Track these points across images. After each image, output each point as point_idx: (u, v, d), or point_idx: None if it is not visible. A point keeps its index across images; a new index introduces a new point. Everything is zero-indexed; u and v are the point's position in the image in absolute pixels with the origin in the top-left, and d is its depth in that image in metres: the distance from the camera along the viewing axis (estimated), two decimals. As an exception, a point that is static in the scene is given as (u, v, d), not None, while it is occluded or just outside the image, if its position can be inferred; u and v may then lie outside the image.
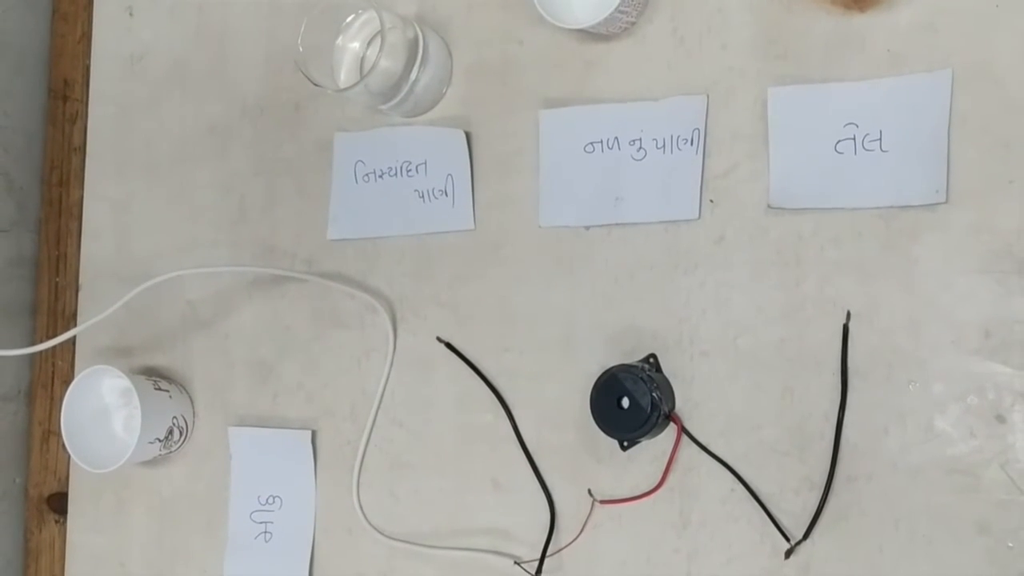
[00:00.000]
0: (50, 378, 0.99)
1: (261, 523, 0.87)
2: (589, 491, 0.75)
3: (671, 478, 0.73)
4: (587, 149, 0.77)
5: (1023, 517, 0.64)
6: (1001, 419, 0.65)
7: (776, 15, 0.72)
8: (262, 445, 0.87)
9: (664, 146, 0.75)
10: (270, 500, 0.87)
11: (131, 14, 0.98)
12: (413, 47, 0.78)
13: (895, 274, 0.68)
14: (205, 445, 0.90)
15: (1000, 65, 0.66)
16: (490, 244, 0.81)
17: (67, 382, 0.90)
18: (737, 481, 0.71)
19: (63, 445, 0.86)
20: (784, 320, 0.71)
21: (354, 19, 0.81)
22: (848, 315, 0.69)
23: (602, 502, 0.75)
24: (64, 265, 0.99)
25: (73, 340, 0.96)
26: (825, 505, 0.68)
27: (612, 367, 0.72)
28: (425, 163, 0.83)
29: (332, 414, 0.86)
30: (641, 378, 0.70)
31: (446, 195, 0.82)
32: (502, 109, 0.81)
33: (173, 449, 0.89)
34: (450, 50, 0.83)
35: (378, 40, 0.75)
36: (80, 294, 0.98)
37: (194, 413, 0.91)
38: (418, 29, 0.79)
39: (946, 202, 0.67)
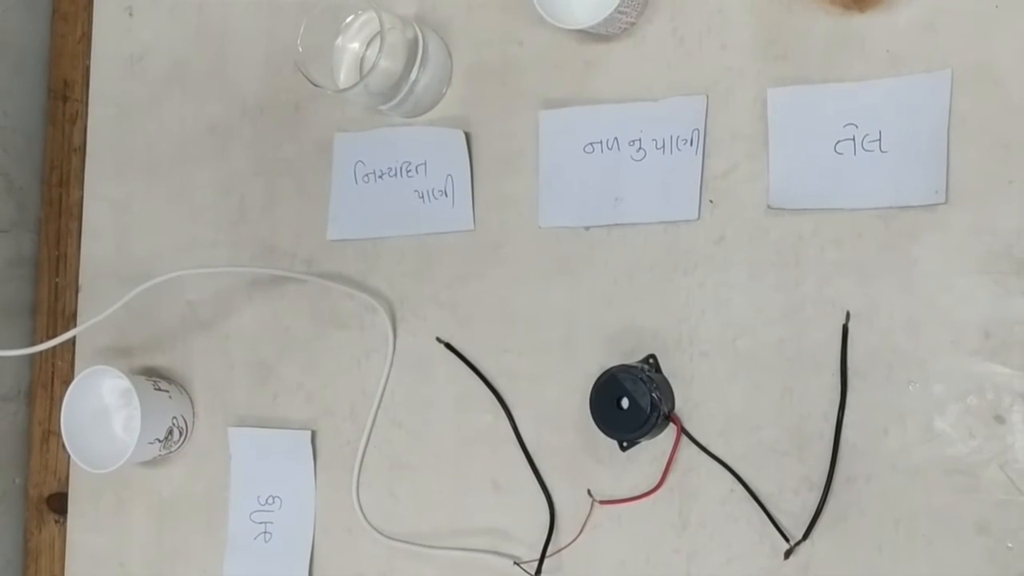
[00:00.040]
0: (50, 378, 0.99)
1: (261, 523, 0.87)
2: (589, 491, 0.75)
3: (670, 478, 0.73)
4: (587, 149, 0.77)
5: (1022, 517, 0.64)
6: (1000, 420, 0.65)
7: (776, 15, 0.72)
8: (262, 445, 0.87)
9: (664, 146, 0.75)
10: (270, 500, 0.87)
11: (131, 14, 0.98)
12: (413, 47, 0.78)
13: (895, 275, 0.68)
14: (205, 445, 0.90)
15: (1000, 65, 0.66)
16: (490, 244, 0.81)
17: (67, 382, 0.90)
18: (736, 481, 0.71)
19: (63, 445, 0.86)
20: (784, 320, 0.71)
21: (354, 19, 0.81)
22: (848, 315, 0.69)
23: (602, 502, 0.75)
24: (64, 265, 0.99)
25: (73, 340, 0.96)
26: (824, 505, 0.68)
27: (612, 367, 0.72)
28: (425, 163, 0.83)
29: (332, 414, 0.86)
30: (641, 378, 0.70)
31: (446, 195, 0.82)
32: (502, 109, 0.81)
33: (173, 449, 0.89)
34: (450, 50, 0.83)
35: (378, 40, 0.75)
36: (80, 294, 0.98)
37: (194, 413, 0.91)
38: (418, 29, 0.79)
39: (945, 203, 0.67)
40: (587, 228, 0.77)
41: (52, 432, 0.98)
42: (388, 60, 0.76)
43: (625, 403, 0.71)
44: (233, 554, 0.88)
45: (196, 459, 0.91)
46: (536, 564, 0.76)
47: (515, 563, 0.77)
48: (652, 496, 0.72)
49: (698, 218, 0.74)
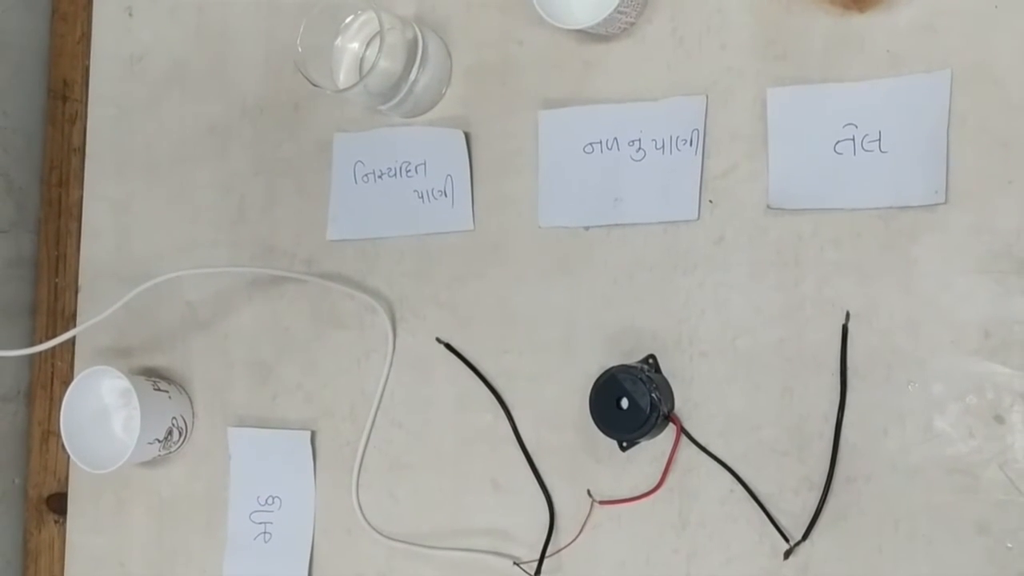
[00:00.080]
0: (50, 378, 0.99)
1: (260, 523, 0.87)
2: (588, 492, 0.75)
3: (670, 479, 0.73)
4: (586, 149, 0.77)
5: (1022, 517, 0.64)
6: (1000, 419, 0.65)
7: (775, 15, 0.72)
8: (261, 446, 0.87)
9: (663, 146, 0.75)
10: (269, 500, 0.87)
11: (131, 14, 0.98)
12: (412, 48, 0.78)
13: (894, 274, 0.68)
14: (204, 445, 0.90)
15: (999, 65, 0.66)
16: (489, 244, 0.81)
17: (67, 382, 0.90)
18: (736, 481, 0.71)
19: (63, 445, 0.86)
20: (783, 320, 0.71)
21: (353, 20, 0.81)
22: (847, 315, 0.69)
23: (601, 503, 0.75)
24: (64, 265, 0.99)
25: (73, 340, 0.96)
26: (824, 505, 0.68)
27: (611, 368, 0.72)
28: (424, 163, 0.83)
29: (331, 415, 0.86)
30: (640, 379, 0.70)
31: (445, 195, 0.82)
32: (501, 109, 0.81)
33: (172, 449, 0.89)
34: (449, 50, 0.83)
35: (377, 40, 0.75)
36: (80, 294, 0.98)
37: (193, 413, 0.91)
38: (417, 30, 0.79)
39: (945, 202, 0.67)
40: (587, 228, 0.77)
41: (52, 432, 0.98)
42: (388, 60, 0.76)
43: (625, 403, 0.71)
44: (233, 554, 0.88)
45: (196, 459, 0.91)
46: (536, 564, 0.76)
47: (515, 563, 0.77)
48: (652, 496, 0.72)
49: (698, 218, 0.74)
